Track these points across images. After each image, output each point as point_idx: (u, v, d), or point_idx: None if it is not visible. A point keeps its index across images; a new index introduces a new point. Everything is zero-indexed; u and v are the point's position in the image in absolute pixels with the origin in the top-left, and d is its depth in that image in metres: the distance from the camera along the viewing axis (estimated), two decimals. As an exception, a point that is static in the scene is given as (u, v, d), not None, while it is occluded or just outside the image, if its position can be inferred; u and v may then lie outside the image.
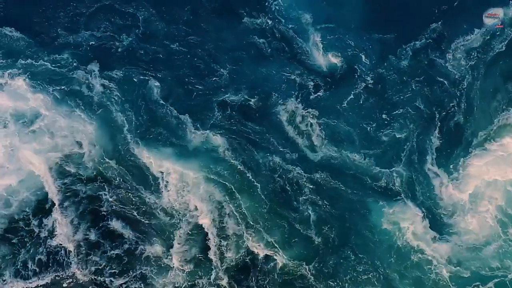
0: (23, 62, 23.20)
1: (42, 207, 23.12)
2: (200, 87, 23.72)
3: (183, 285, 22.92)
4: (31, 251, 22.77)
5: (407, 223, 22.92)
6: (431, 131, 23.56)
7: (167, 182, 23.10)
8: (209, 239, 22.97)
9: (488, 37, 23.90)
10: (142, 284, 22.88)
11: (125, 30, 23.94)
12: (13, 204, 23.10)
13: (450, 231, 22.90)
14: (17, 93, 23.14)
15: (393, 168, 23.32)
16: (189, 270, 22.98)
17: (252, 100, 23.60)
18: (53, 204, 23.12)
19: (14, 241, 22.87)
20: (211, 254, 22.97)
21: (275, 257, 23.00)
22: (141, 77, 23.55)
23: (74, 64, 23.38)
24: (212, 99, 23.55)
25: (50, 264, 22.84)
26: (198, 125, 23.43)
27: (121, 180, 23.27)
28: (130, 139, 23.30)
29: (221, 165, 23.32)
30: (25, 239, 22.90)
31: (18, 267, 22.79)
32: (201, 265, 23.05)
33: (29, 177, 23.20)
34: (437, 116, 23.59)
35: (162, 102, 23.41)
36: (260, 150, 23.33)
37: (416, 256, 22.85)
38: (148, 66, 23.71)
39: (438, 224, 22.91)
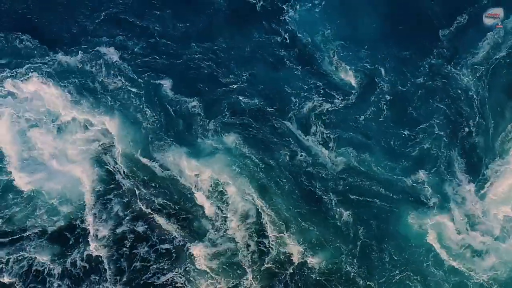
0: (39, 65, 23.97)
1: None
2: (217, 90, 24.39)
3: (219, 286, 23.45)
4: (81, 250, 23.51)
5: (438, 229, 23.27)
6: (456, 142, 23.99)
7: (200, 182, 23.68)
8: (244, 240, 23.45)
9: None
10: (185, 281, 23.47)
11: (143, 35, 24.81)
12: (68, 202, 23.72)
13: (484, 239, 23.23)
14: (39, 94, 23.89)
15: (421, 177, 23.74)
16: (223, 270, 23.37)
17: (269, 108, 24.34)
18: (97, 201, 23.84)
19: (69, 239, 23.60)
20: (246, 255, 23.38)
21: (309, 259, 23.32)
22: (158, 81, 24.39)
23: (91, 66, 24.29)
24: (230, 103, 24.31)
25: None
26: (218, 128, 24.12)
27: (152, 180, 23.81)
28: (155, 139, 23.91)
29: (246, 168, 23.82)
30: (79, 238, 23.59)
31: (68, 265, 23.41)
32: (235, 266, 23.51)
33: (74, 175, 23.92)
34: (460, 128, 24.08)
35: (180, 103, 24.25)
36: (279, 155, 24.01)
37: (453, 261, 23.07)
38: (165, 69, 24.54)
39: (473, 231, 23.36)
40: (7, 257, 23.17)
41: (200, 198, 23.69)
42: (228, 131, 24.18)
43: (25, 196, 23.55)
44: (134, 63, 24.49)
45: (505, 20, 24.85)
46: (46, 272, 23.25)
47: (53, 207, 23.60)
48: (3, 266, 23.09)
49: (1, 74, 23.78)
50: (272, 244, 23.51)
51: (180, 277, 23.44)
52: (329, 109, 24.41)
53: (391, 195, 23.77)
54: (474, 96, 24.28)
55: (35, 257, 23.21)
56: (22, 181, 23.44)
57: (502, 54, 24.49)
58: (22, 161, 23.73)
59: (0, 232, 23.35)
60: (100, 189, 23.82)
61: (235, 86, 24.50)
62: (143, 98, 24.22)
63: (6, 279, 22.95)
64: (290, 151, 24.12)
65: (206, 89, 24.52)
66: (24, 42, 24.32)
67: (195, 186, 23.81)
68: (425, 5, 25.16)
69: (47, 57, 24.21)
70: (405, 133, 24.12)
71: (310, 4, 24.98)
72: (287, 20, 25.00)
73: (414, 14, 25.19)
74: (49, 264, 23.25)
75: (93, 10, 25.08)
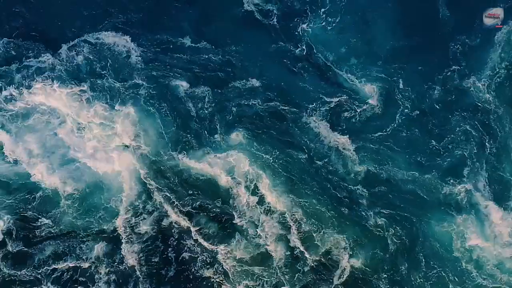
0: (50, 67, 24.48)
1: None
2: (232, 92, 24.94)
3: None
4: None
5: (475, 235, 23.69)
6: (484, 153, 24.46)
7: (237, 184, 24.24)
8: (278, 241, 23.92)
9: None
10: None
11: (159, 38, 25.31)
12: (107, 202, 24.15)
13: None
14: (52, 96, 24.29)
15: (453, 185, 24.21)
16: (258, 270, 23.87)
17: (289, 114, 24.81)
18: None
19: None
20: (282, 257, 23.83)
21: (345, 261, 23.81)
22: (173, 81, 24.92)
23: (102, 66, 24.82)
24: (244, 105, 24.90)
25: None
26: (237, 130, 24.74)
27: (182, 181, 24.26)
28: (176, 140, 24.41)
29: (270, 169, 24.37)
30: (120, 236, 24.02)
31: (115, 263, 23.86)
32: (271, 267, 23.95)
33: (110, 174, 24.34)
34: (487, 139, 24.55)
35: (196, 104, 24.81)
36: (301, 160, 24.57)
37: (490, 268, 23.45)
38: (179, 70, 25.03)
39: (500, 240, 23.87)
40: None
41: (232, 196, 24.11)
42: (247, 134, 24.66)
43: (69, 197, 23.92)
44: (148, 64, 25.03)
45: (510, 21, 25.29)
46: (93, 270, 23.68)
47: (92, 207, 24.05)
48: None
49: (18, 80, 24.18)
50: (307, 245, 23.86)
51: (218, 275, 23.85)
52: (349, 120, 24.92)
53: (419, 202, 24.23)
54: (493, 108, 24.72)
55: (83, 256, 23.64)
56: (64, 184, 23.85)
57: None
58: (58, 165, 24.02)
59: (49, 233, 23.59)
60: (135, 189, 24.22)
61: (249, 89, 24.98)
62: (158, 99, 24.72)
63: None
64: (311, 157, 24.58)
65: (219, 91, 25.02)
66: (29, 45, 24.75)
67: (230, 186, 24.30)
68: (437, 20, 25.66)
69: (51, 58, 24.59)
70: (429, 144, 24.58)
71: (323, 23, 25.67)
72: (301, 34, 25.51)
73: (427, 28, 25.72)
74: (96, 263, 23.67)
75: (106, 8, 25.52)
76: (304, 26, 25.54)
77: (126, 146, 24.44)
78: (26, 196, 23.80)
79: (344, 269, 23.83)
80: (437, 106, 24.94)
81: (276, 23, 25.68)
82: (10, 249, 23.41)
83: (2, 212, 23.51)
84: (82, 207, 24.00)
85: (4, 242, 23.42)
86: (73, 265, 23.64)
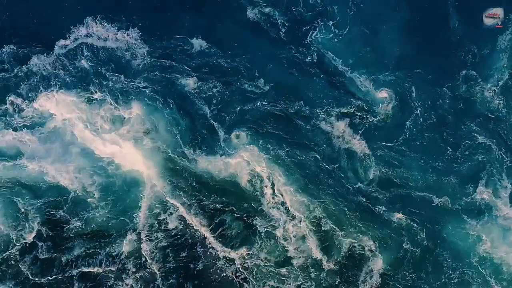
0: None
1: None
2: (240, 97, 25.19)
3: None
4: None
5: (495, 241, 23.93)
6: (503, 160, 24.74)
7: (255, 185, 24.43)
8: (301, 239, 24.01)
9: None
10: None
11: (167, 40, 25.48)
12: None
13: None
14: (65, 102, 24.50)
15: (472, 191, 24.42)
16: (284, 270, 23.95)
17: (299, 121, 25.07)
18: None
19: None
20: (305, 256, 23.91)
21: (368, 261, 23.98)
22: (182, 81, 25.05)
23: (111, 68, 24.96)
24: (254, 108, 25.09)
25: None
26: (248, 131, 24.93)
27: (203, 182, 24.41)
28: (188, 141, 24.58)
29: (285, 169, 24.55)
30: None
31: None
32: (293, 265, 24.01)
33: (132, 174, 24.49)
34: (505, 146, 24.87)
35: (206, 105, 25.05)
36: (314, 160, 24.81)
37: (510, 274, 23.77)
38: (189, 71, 25.24)
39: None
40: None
41: (253, 196, 24.29)
42: (258, 136, 24.89)
43: (94, 198, 24.12)
44: (155, 66, 25.22)
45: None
46: (120, 269, 23.72)
47: (117, 206, 24.20)
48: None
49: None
50: (329, 245, 24.01)
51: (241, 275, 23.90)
52: (362, 125, 25.16)
53: (438, 206, 24.43)
54: (504, 115, 25.09)
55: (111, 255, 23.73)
56: (90, 186, 24.12)
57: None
58: (81, 167, 24.19)
59: (78, 234, 23.72)
60: (156, 190, 24.32)
61: (258, 93, 25.22)
62: (170, 102, 24.89)
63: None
64: (324, 159, 24.77)
65: (228, 93, 25.17)
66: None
67: (249, 187, 24.47)
68: (446, 28, 26.11)
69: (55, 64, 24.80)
70: (445, 150, 24.83)
71: (333, 31, 25.97)
72: (311, 43, 25.76)
73: (435, 36, 26.15)
74: (124, 260, 23.72)
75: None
76: (314, 34, 25.91)
77: (141, 146, 24.55)
78: (57, 199, 23.98)
79: (368, 269, 23.95)
80: (449, 113, 25.19)
81: (285, 31, 26.05)
82: (40, 251, 23.49)
83: (32, 215, 23.59)
84: (108, 207, 24.12)
85: (34, 245, 23.53)
86: (101, 265, 23.74)
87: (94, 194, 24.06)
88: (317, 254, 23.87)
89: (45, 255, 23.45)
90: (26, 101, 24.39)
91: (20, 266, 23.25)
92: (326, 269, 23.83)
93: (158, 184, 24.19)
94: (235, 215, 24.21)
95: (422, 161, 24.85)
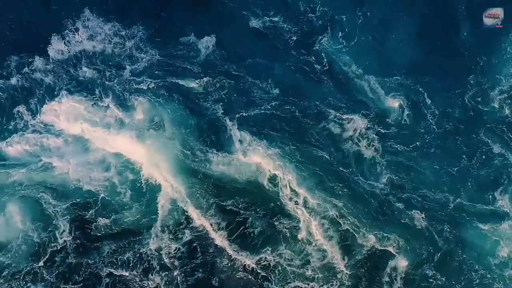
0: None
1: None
2: (250, 100, 25.34)
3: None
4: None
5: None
6: None
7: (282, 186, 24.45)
8: (323, 241, 23.99)
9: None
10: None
11: (176, 42, 25.71)
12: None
13: None
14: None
15: (490, 196, 24.41)
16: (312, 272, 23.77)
17: (310, 130, 25.12)
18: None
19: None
20: (329, 258, 23.92)
21: (391, 260, 23.88)
22: (191, 85, 25.30)
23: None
24: (265, 113, 25.18)
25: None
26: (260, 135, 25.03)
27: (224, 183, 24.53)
28: (199, 145, 24.64)
29: (299, 170, 24.56)
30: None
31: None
32: (323, 268, 23.94)
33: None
34: None
35: (215, 109, 25.18)
36: (328, 162, 24.88)
37: None
38: (198, 76, 25.46)
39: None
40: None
41: (272, 198, 24.38)
42: (271, 138, 24.97)
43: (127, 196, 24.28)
44: (164, 70, 25.41)
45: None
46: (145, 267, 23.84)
47: (140, 205, 24.38)
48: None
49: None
50: (352, 246, 24.00)
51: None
52: (375, 131, 25.24)
53: (456, 209, 24.40)
54: None
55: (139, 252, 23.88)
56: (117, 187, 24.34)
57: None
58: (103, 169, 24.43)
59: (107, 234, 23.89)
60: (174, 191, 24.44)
61: (267, 96, 25.40)
62: (181, 105, 25.13)
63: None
64: (339, 163, 24.82)
65: (237, 96, 25.35)
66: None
67: (267, 188, 24.50)
68: (454, 36, 26.30)
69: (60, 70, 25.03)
70: (460, 157, 24.84)
71: (340, 42, 26.31)
72: (320, 50, 25.96)
73: (443, 45, 26.26)
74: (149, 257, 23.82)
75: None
76: (323, 42, 26.14)
77: (154, 147, 24.76)
78: (85, 200, 24.16)
79: (390, 270, 23.88)
80: (461, 120, 25.26)
81: (295, 39, 26.26)
82: (69, 251, 23.68)
83: (61, 217, 23.77)
84: (132, 208, 24.31)
85: (64, 245, 23.71)
86: (129, 263, 23.80)
87: (121, 195, 24.29)
88: (339, 254, 23.85)
89: (74, 255, 23.65)
90: (39, 107, 24.59)
91: (50, 266, 23.42)
92: (348, 270, 23.79)
93: (175, 186, 24.32)
94: (256, 215, 24.21)
95: (437, 166, 24.83)
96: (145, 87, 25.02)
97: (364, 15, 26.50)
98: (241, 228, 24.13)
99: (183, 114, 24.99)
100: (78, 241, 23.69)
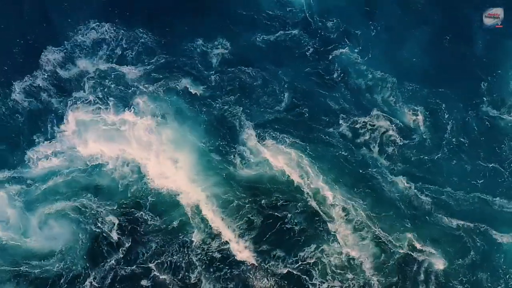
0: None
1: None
2: (263, 106, 25.46)
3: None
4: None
5: None
6: None
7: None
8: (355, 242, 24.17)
9: None
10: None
11: (190, 46, 25.87)
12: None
13: None
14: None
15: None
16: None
17: (326, 136, 25.23)
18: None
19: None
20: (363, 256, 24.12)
21: (430, 263, 23.92)
22: (208, 92, 25.51)
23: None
24: (278, 118, 25.47)
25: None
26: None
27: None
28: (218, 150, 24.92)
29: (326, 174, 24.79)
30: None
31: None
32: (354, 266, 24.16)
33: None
34: None
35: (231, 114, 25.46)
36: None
37: None
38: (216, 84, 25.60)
39: None
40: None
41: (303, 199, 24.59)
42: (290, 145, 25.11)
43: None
44: (177, 75, 25.59)
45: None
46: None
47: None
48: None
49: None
50: (388, 246, 24.11)
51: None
52: (394, 144, 25.27)
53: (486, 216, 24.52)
54: None
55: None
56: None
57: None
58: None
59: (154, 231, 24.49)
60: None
61: (280, 104, 25.55)
62: (195, 111, 25.35)
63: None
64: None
65: (250, 102, 25.52)
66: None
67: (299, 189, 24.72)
68: (469, 48, 26.28)
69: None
70: (483, 167, 24.84)
71: (354, 57, 26.17)
72: (335, 60, 26.10)
73: (458, 57, 26.17)
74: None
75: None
76: (338, 53, 26.17)
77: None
78: (139, 200, 24.73)
79: (427, 271, 23.93)
80: (480, 131, 25.27)
81: (312, 50, 26.28)
82: (121, 249, 24.36)
83: (111, 214, 24.43)
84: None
85: (117, 243, 24.37)
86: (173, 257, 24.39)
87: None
88: (372, 256, 24.04)
89: (125, 249, 24.35)
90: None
91: (104, 259, 24.18)
92: (380, 273, 23.93)
93: (204, 189, 24.76)
94: (290, 214, 24.53)
95: (459, 178, 24.89)
96: (161, 92, 25.34)
97: (376, 27, 26.45)
98: (278, 225, 24.42)
99: (205, 122, 25.27)
100: (129, 237, 24.38)
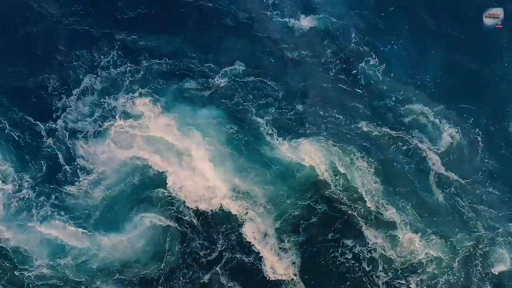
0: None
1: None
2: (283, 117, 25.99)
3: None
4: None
5: None
6: None
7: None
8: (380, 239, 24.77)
9: None
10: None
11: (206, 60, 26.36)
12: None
13: None
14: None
15: None
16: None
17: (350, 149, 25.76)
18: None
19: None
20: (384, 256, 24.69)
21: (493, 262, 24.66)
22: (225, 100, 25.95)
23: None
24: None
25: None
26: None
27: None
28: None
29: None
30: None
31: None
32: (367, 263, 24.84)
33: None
34: None
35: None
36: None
37: None
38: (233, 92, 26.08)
39: None
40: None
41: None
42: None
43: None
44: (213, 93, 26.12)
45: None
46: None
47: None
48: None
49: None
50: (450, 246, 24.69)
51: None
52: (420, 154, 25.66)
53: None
54: None
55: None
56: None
57: None
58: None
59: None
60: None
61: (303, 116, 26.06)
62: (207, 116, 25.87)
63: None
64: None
65: (270, 111, 26.06)
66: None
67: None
68: (494, 64, 26.54)
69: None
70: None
71: (378, 74, 26.26)
72: (360, 74, 26.54)
73: (484, 73, 26.39)
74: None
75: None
76: (362, 70, 26.47)
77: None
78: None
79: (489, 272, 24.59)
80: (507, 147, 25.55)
81: (333, 64, 26.62)
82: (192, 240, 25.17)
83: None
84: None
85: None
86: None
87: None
88: (433, 253, 24.58)
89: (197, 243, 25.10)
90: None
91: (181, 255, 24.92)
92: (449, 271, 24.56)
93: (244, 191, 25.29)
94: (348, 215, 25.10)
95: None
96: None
97: (400, 44, 26.66)
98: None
99: (223, 117, 25.88)
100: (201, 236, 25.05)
